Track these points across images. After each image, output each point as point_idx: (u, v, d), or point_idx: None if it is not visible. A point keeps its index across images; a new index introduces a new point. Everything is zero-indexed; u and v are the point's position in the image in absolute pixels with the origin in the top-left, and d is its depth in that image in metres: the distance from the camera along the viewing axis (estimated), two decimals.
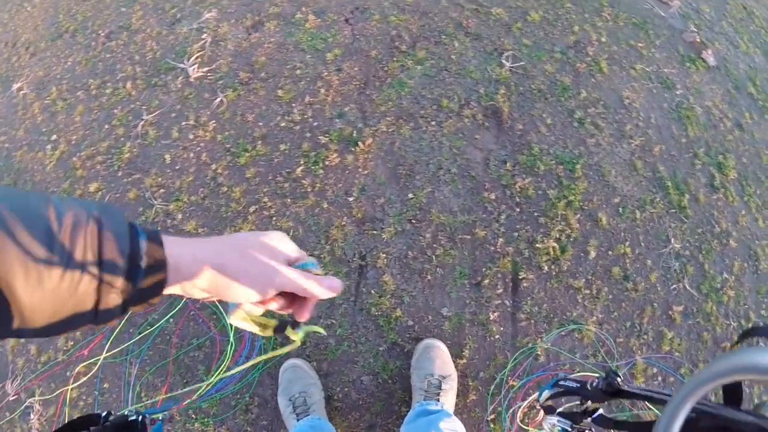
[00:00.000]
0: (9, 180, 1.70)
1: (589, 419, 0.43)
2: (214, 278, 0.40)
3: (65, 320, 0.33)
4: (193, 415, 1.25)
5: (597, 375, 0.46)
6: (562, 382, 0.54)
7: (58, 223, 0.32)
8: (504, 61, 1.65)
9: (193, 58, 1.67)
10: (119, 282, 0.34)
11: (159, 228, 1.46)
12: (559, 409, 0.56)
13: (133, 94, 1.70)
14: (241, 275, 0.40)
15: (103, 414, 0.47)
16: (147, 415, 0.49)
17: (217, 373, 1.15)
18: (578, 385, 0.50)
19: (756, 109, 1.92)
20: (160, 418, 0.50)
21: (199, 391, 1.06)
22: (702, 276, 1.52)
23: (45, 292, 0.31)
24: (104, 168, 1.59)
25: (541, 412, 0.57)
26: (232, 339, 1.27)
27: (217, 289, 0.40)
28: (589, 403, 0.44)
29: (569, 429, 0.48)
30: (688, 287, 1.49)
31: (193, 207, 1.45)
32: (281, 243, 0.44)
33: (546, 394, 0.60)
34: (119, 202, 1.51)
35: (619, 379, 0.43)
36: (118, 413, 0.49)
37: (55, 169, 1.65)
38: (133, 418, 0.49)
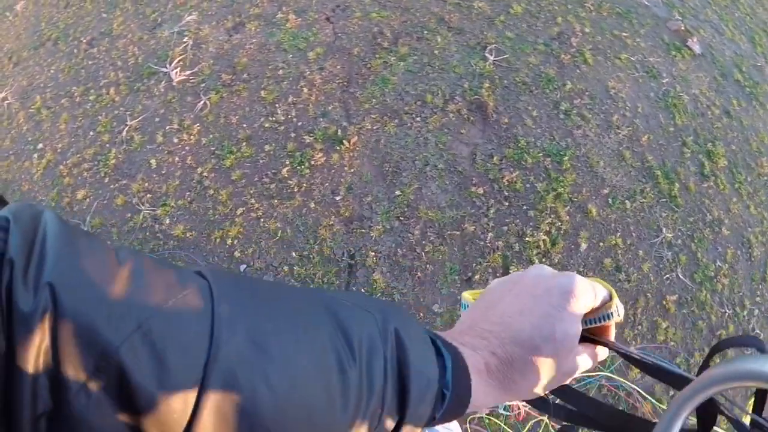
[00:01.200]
0: None
1: None
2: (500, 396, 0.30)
3: None
4: None
5: None
6: None
7: (348, 348, 0.23)
8: (487, 55, 1.65)
9: (175, 62, 1.66)
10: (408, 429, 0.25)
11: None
12: None
13: (117, 99, 1.69)
14: (530, 378, 0.30)
15: None
16: None
17: None
18: None
19: (743, 96, 1.92)
20: None
21: None
22: (695, 265, 1.51)
23: None
24: (91, 175, 1.57)
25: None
26: None
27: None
28: None
29: None
30: (681, 276, 1.49)
31: (181, 211, 1.44)
32: (580, 303, 0.31)
33: None
34: (107, 208, 1.50)
35: None
36: None
37: (43, 177, 1.64)
38: None
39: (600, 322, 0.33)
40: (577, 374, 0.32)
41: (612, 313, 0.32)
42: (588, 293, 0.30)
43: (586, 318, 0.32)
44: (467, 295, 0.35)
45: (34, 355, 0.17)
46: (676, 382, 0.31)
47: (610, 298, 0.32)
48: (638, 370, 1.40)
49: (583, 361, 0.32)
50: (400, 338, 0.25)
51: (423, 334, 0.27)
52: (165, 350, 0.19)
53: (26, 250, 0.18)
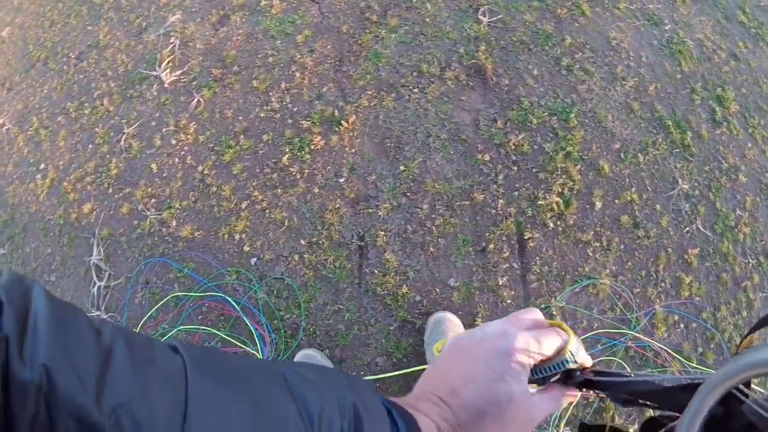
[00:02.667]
0: (6, 216, 1.69)
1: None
2: None
3: None
4: None
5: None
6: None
7: (309, 422, 0.25)
8: (481, 17, 1.59)
9: (164, 64, 1.64)
10: None
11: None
12: None
13: (111, 109, 1.68)
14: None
15: None
16: None
17: None
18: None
19: (749, 38, 1.83)
20: None
21: None
22: (714, 215, 1.46)
23: None
24: (94, 187, 1.57)
25: None
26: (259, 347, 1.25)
27: None
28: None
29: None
30: (701, 228, 1.43)
31: (186, 212, 1.43)
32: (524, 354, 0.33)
33: None
34: (114, 218, 1.50)
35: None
36: None
37: (48, 197, 1.64)
38: None
39: (556, 369, 0.34)
40: (541, 418, 0.34)
41: (566, 361, 0.33)
42: (530, 348, 0.32)
43: (542, 367, 0.34)
44: (436, 348, 0.38)
45: (29, 422, 0.19)
46: (672, 396, 0.30)
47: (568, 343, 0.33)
48: (664, 327, 1.36)
49: (545, 407, 0.34)
50: (357, 411, 0.27)
51: (379, 405, 0.29)
52: (145, 429, 0.21)
53: (20, 329, 0.20)
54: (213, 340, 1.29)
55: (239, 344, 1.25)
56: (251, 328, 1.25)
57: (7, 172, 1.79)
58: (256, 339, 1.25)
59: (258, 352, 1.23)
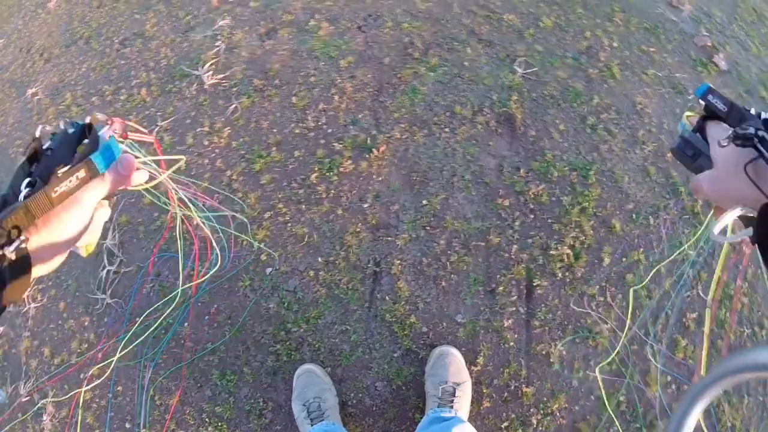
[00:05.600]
0: None
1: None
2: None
3: None
4: (206, 419, 1.26)
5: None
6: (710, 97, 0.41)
7: None
8: (516, 68, 1.66)
9: (207, 65, 1.69)
10: None
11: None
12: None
13: (148, 100, 1.72)
14: None
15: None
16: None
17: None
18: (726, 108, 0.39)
19: None
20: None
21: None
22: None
23: None
24: None
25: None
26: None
27: None
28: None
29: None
30: (701, 294, 1.48)
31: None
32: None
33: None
34: (134, 207, 1.53)
35: None
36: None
37: None
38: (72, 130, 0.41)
39: None
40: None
41: None
42: None
43: None
44: None
45: None
46: None
47: None
48: (656, 386, 1.40)
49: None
50: None
51: None
52: None
53: None
54: (218, 342, 1.31)
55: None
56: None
57: None
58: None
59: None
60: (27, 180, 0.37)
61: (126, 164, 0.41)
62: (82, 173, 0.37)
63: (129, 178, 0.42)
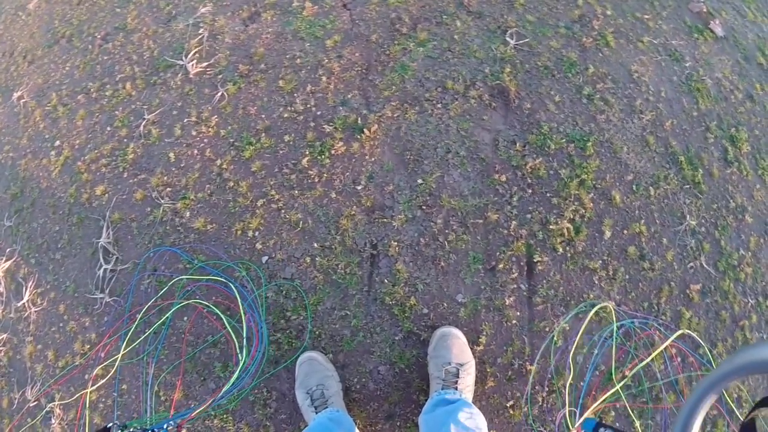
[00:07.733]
0: (15, 189, 1.69)
1: None
2: None
3: None
4: (211, 411, 1.25)
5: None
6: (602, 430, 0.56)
7: None
8: (508, 39, 1.61)
9: (191, 54, 1.65)
10: None
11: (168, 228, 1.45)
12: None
13: (134, 94, 1.68)
14: None
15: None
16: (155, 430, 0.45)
17: (234, 377, 1.14)
18: None
19: (766, 80, 1.87)
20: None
21: (202, 407, 1.02)
22: (718, 253, 1.48)
23: None
24: (109, 170, 1.58)
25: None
26: (244, 338, 1.26)
27: None
28: None
29: None
30: (704, 265, 1.46)
31: (201, 204, 1.44)
32: None
33: None
34: (126, 203, 1.51)
35: None
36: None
37: (61, 174, 1.64)
38: None
39: None
40: None
41: None
42: None
43: None
44: None
45: None
46: None
47: None
48: (661, 361, 1.38)
49: None
50: None
51: None
52: None
53: None
54: (218, 334, 1.30)
55: (232, 334, 1.26)
56: (244, 326, 1.25)
57: (20, 144, 1.79)
58: (241, 338, 1.25)
59: (240, 351, 1.22)
60: None
61: None
62: None
63: None
